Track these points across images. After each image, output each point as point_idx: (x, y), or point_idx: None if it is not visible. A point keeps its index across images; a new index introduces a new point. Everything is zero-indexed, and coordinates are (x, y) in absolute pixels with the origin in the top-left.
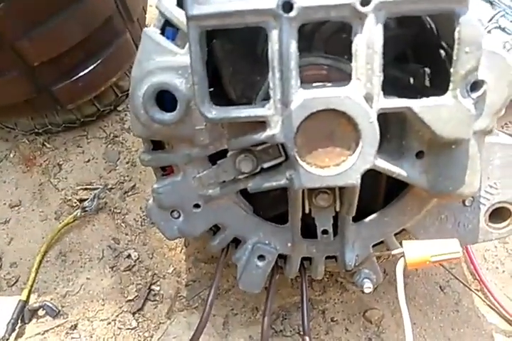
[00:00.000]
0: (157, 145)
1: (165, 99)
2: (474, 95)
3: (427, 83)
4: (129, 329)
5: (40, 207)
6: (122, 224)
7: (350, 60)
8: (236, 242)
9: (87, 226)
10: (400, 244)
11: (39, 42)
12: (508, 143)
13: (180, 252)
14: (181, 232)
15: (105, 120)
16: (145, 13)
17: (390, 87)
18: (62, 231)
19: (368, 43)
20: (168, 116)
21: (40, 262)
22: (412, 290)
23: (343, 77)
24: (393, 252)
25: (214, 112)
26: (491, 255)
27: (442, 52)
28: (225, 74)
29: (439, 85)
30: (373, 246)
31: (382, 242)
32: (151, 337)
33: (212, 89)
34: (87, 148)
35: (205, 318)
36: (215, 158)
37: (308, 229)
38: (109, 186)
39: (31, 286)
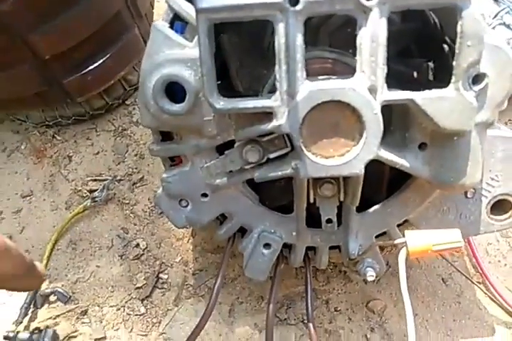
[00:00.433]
0: (166, 136)
1: (174, 90)
2: (476, 88)
3: (431, 77)
4: (137, 315)
5: (50, 197)
6: (131, 215)
7: (354, 54)
8: (242, 232)
9: (96, 216)
10: (403, 234)
11: (50, 36)
12: (509, 136)
13: (188, 242)
14: (189, 221)
15: (114, 113)
16: (152, 9)
17: (395, 81)
18: (72, 220)
19: (372, 36)
20: (177, 107)
21: (52, 250)
22: (415, 282)
23: (348, 71)
24: (395, 241)
25: (222, 103)
26: (494, 249)
27: (446, 46)
28: (232, 68)
29: (443, 79)
30: (377, 237)
31: (385, 233)
32: (159, 323)
33: (220, 82)
34: (96, 140)
35: (212, 305)
36: (222, 149)
37: (313, 219)
38: (118, 177)
39: None
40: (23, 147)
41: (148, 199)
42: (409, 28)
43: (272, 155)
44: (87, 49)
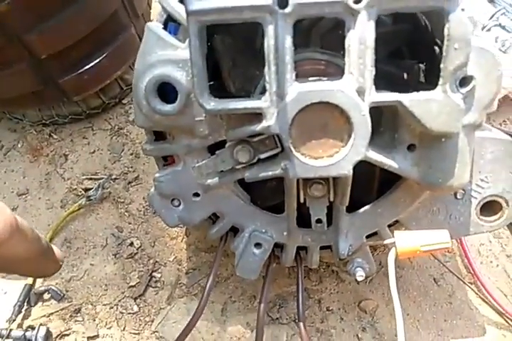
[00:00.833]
0: (159, 136)
1: (166, 91)
2: (463, 90)
3: (422, 79)
4: (130, 313)
5: (46, 195)
6: (125, 213)
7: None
8: (235, 232)
9: (91, 214)
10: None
11: (47, 36)
12: (499, 138)
13: (181, 241)
14: (181, 220)
15: (110, 112)
16: (150, 9)
17: (386, 82)
18: (67, 219)
19: (360, 39)
20: (169, 107)
21: None
22: (407, 282)
23: (339, 72)
24: (385, 242)
25: (212, 104)
26: (486, 249)
27: (436, 48)
28: (224, 68)
29: (433, 81)
30: (367, 237)
31: (376, 233)
32: (152, 321)
33: (212, 83)
34: (92, 139)
35: (203, 304)
36: (214, 149)
37: (304, 219)
38: (114, 176)
39: None
40: (19, 145)
41: (143, 198)
42: (400, 30)
43: (262, 156)
44: (84, 48)
